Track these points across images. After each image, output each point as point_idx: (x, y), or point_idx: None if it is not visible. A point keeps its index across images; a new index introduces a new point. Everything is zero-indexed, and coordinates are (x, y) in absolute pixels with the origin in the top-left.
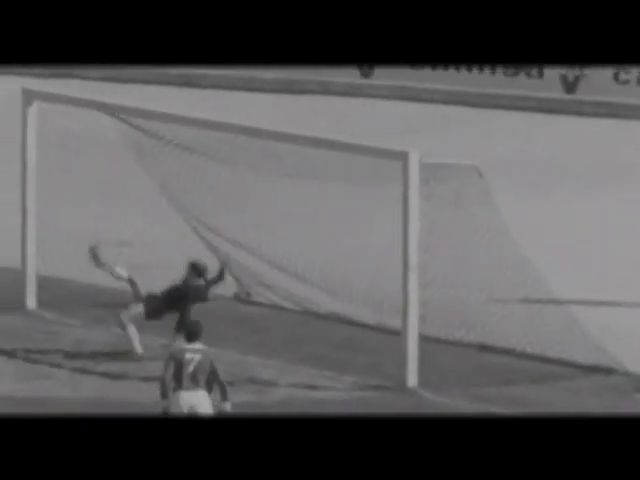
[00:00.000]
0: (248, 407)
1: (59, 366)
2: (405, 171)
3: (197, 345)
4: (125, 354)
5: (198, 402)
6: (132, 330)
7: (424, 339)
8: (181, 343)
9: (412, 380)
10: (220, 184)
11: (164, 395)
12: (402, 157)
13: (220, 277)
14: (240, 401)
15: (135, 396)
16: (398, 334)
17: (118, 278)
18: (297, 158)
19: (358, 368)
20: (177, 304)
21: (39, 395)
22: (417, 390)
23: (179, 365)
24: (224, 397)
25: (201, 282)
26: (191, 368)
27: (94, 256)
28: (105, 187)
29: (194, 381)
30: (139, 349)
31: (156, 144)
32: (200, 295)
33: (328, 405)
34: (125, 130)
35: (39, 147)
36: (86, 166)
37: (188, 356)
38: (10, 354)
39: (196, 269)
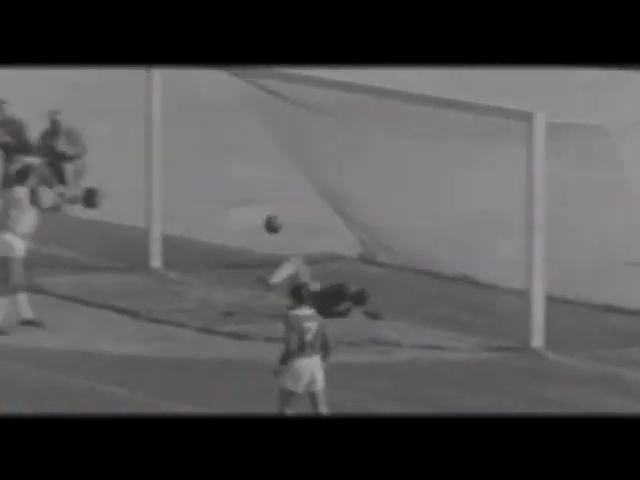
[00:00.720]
0: (374, 368)
1: (183, 326)
2: (531, 131)
3: (306, 310)
4: (248, 315)
5: (316, 368)
6: (288, 268)
7: (549, 300)
8: (298, 310)
9: (537, 341)
10: (344, 143)
11: (284, 362)
12: (527, 117)
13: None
14: (365, 362)
15: (259, 357)
16: (523, 295)
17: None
18: (421, 118)
19: (482, 329)
20: (324, 305)
21: (163, 355)
22: (541, 351)
23: (300, 333)
24: (325, 359)
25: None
26: (310, 336)
27: (271, 227)
28: (229, 147)
29: (313, 348)
30: (275, 279)
31: (279, 104)
32: (342, 311)
33: (452, 366)
34: (248, 89)
35: (164, 106)
36: (210, 126)
37: (307, 324)
38: (134, 314)
39: (362, 297)
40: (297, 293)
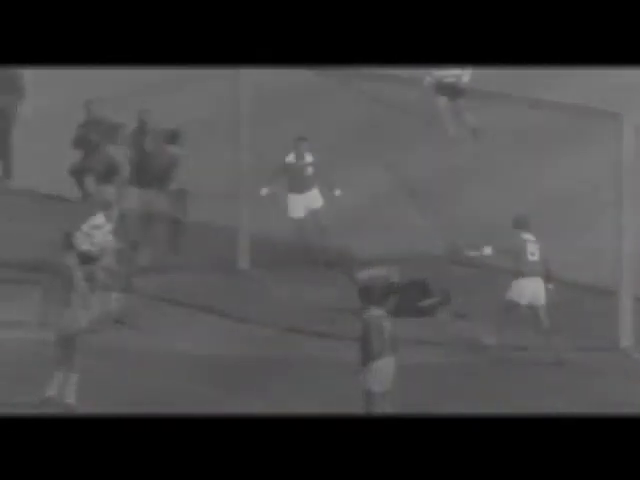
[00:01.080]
0: (459, 367)
1: (270, 326)
2: (620, 132)
3: (377, 310)
4: (335, 314)
5: (392, 367)
6: (378, 268)
7: (638, 299)
8: (372, 311)
9: (626, 341)
10: (429, 141)
11: (365, 363)
12: (617, 118)
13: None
14: (450, 361)
15: (345, 356)
16: (612, 294)
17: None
18: (506, 117)
19: (571, 329)
20: (406, 302)
21: (250, 355)
22: (630, 351)
23: (380, 334)
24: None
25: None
26: (387, 335)
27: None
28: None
29: (389, 347)
30: (364, 276)
31: (363, 101)
32: (426, 309)
33: (539, 367)
34: (332, 87)
35: (250, 107)
36: (298, 124)
37: (384, 324)
38: (222, 314)
39: (446, 297)
40: (366, 294)
